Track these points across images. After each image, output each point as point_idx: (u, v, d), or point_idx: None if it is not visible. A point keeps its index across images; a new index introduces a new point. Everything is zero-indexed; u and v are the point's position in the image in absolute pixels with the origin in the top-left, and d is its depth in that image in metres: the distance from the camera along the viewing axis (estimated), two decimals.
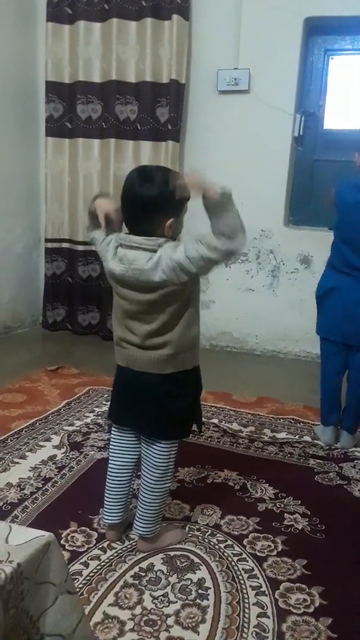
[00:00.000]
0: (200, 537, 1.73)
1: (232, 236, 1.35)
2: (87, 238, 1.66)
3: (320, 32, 3.40)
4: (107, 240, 1.51)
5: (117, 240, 1.47)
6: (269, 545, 1.71)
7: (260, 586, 1.54)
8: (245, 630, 1.38)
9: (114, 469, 1.66)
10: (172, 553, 1.65)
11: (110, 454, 1.67)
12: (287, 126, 3.46)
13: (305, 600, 1.49)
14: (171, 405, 1.54)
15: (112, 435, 1.68)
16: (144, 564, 1.60)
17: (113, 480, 1.66)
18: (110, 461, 1.67)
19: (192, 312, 1.50)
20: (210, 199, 1.35)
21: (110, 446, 1.68)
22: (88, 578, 1.53)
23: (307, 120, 3.50)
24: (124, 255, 1.44)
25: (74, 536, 1.71)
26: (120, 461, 1.65)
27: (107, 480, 1.67)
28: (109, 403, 1.71)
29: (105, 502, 1.67)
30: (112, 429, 1.68)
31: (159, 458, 1.57)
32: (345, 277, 2.29)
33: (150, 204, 1.39)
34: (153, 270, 1.39)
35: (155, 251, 1.40)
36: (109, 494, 1.66)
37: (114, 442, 1.66)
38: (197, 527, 1.79)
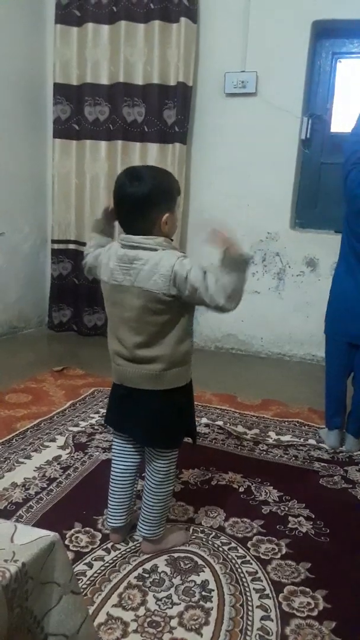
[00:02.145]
0: (204, 539, 1.73)
1: (230, 296, 1.36)
2: (85, 266, 1.64)
3: (328, 35, 3.40)
4: (105, 249, 1.53)
5: (113, 243, 1.50)
6: (273, 548, 1.71)
7: (264, 589, 1.53)
8: (249, 632, 1.38)
9: (117, 472, 1.66)
10: (175, 555, 1.65)
11: (113, 458, 1.68)
12: (294, 129, 3.46)
13: (309, 603, 1.49)
14: (163, 419, 1.54)
15: (113, 440, 1.68)
16: (147, 566, 1.60)
17: (116, 483, 1.66)
18: (112, 465, 1.68)
19: (184, 327, 1.48)
20: (229, 255, 1.35)
21: (112, 451, 1.68)
22: (92, 579, 1.53)
23: (314, 123, 3.50)
24: (125, 254, 1.44)
25: (78, 537, 1.71)
26: (122, 465, 1.66)
27: (110, 483, 1.67)
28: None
29: (109, 505, 1.68)
30: (113, 434, 1.69)
31: (159, 462, 1.58)
32: (351, 273, 2.27)
33: (144, 201, 1.40)
34: (151, 272, 1.40)
35: (155, 250, 1.41)
36: (113, 497, 1.66)
37: (115, 446, 1.67)
38: (201, 529, 1.78)
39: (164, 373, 1.48)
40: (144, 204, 1.40)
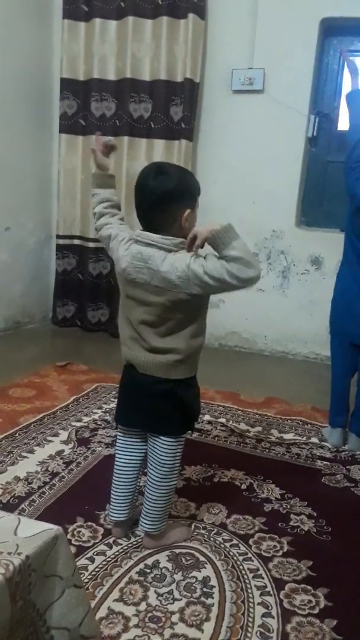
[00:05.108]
0: (205, 536, 1.73)
1: (248, 263, 1.33)
2: (96, 232, 1.63)
3: (336, 33, 3.39)
4: (119, 237, 1.51)
5: (132, 237, 1.48)
6: (275, 546, 1.71)
7: (265, 586, 1.54)
8: (250, 629, 1.38)
9: (120, 466, 1.67)
10: (177, 550, 1.65)
11: (117, 452, 1.68)
12: (301, 127, 3.45)
13: (310, 601, 1.49)
14: (172, 404, 1.54)
15: (118, 434, 1.69)
16: (149, 561, 1.60)
17: (119, 477, 1.67)
18: (116, 459, 1.68)
19: (200, 323, 1.50)
20: (215, 232, 1.34)
21: (117, 444, 1.69)
22: (93, 573, 1.54)
23: (321, 121, 3.49)
24: (139, 252, 1.43)
25: (80, 531, 1.71)
26: (126, 459, 1.66)
27: (114, 477, 1.68)
28: (116, 401, 1.70)
29: (111, 500, 1.68)
30: (118, 428, 1.69)
31: (165, 456, 1.58)
32: (351, 271, 2.27)
33: (168, 195, 1.39)
34: (167, 272, 1.39)
35: (171, 251, 1.40)
36: (115, 491, 1.67)
37: (120, 440, 1.67)
38: (203, 525, 1.79)
39: (178, 364, 1.49)
40: (167, 198, 1.39)
